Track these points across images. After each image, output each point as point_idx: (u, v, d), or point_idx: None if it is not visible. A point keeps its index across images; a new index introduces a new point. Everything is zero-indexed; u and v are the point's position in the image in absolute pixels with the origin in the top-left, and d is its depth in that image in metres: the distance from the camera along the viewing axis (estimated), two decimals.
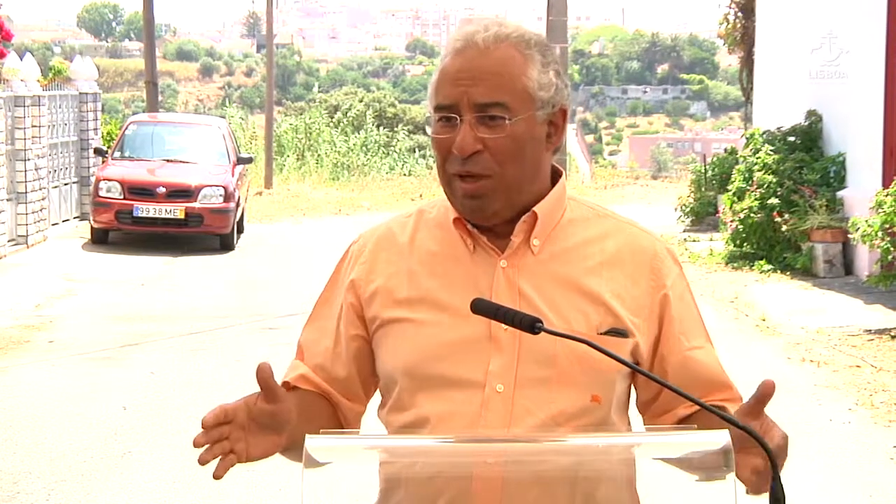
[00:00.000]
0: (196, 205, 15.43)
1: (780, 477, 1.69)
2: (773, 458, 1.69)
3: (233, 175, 16.25)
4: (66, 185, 17.35)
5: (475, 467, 1.96)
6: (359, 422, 2.19)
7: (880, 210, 10.35)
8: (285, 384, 2.15)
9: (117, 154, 16.62)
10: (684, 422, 2.09)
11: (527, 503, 1.94)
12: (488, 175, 1.99)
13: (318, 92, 46.32)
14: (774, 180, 13.31)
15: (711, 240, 15.31)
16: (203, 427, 1.87)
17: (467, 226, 2.06)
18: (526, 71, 2.01)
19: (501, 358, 2.01)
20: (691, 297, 2.14)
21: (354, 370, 2.14)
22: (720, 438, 1.78)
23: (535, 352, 2.00)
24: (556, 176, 2.10)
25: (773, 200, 13.18)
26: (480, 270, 2.05)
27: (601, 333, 2.01)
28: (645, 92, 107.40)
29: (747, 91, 18.47)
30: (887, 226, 10.16)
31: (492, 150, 1.99)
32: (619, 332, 2.02)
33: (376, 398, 2.19)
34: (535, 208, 2.05)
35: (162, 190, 15.45)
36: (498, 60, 2.00)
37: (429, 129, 2.06)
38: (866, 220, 10.47)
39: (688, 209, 17.90)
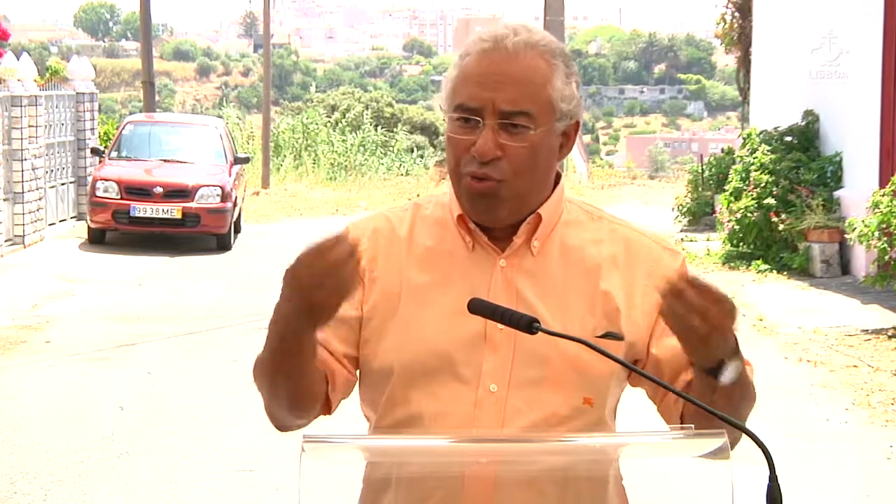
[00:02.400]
0: (193, 205, 15.41)
1: (777, 477, 1.69)
2: (771, 460, 1.69)
3: (230, 175, 16.23)
4: (62, 185, 17.32)
5: (467, 467, 1.96)
6: (350, 390, 2.13)
7: (877, 210, 10.35)
8: None
9: (114, 154, 16.60)
10: (688, 386, 2.04)
11: (519, 503, 1.94)
12: (502, 180, 1.99)
13: (316, 92, 46.13)
14: (771, 180, 13.32)
15: (708, 240, 15.30)
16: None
17: (469, 224, 2.06)
18: (551, 81, 2.00)
19: (496, 358, 2.00)
20: None
21: (352, 343, 2.08)
22: (716, 439, 1.77)
23: (529, 352, 1.99)
24: (556, 179, 2.11)
25: (770, 200, 13.19)
26: (478, 269, 2.05)
27: (597, 337, 1.99)
28: (642, 92, 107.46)
29: (744, 91, 18.49)
30: (884, 226, 10.16)
31: (510, 157, 1.98)
32: (615, 336, 2.01)
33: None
34: (539, 210, 2.05)
35: (159, 190, 15.43)
36: (525, 68, 1.98)
37: (444, 122, 2.04)
38: (863, 220, 10.48)
39: (685, 209, 17.91)
